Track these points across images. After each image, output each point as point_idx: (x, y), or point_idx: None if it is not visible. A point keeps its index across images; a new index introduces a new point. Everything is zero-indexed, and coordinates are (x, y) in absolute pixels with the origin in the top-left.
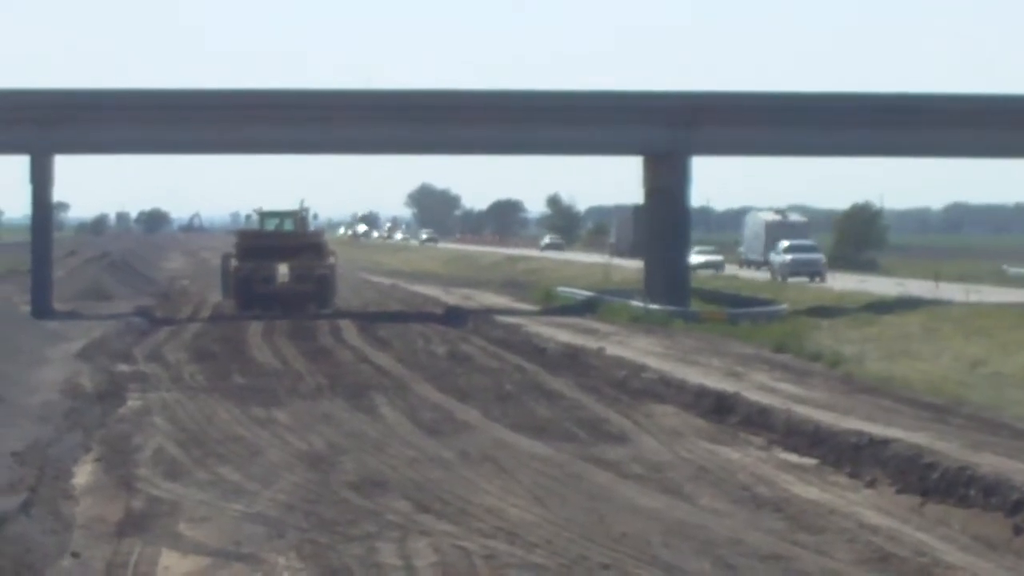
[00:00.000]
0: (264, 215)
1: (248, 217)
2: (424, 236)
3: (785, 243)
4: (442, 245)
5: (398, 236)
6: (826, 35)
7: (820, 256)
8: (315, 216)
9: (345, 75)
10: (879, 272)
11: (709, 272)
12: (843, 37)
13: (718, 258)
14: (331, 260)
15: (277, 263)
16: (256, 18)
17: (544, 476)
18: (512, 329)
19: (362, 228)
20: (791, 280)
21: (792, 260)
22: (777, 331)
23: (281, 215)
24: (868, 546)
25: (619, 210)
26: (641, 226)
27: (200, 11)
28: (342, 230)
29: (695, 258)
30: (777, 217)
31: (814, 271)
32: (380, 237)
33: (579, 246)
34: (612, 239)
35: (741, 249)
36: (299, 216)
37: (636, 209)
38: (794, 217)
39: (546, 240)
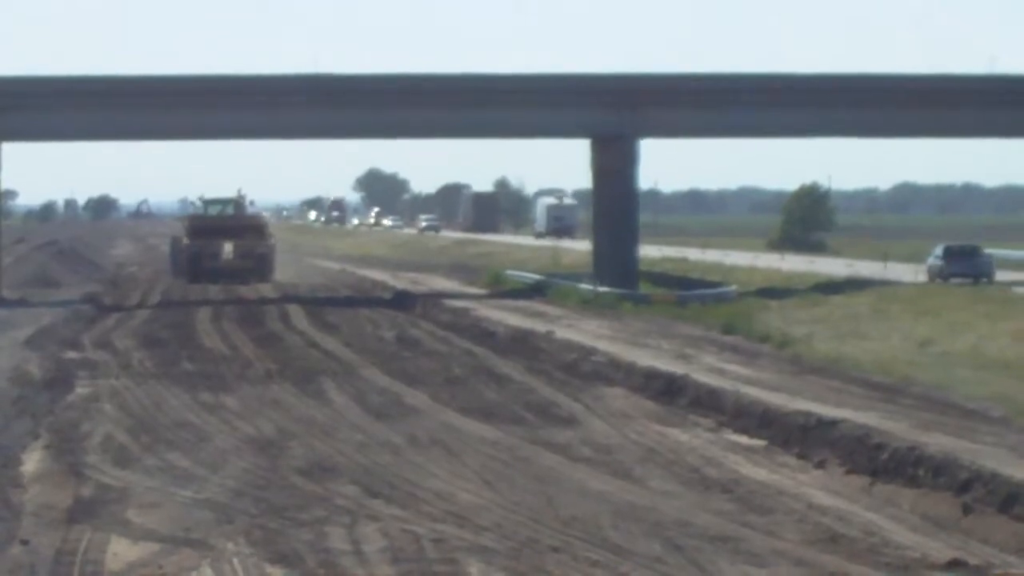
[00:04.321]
0: (207, 202)
1: (193, 204)
2: (423, 223)
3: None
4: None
5: (387, 223)
6: (773, 15)
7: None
8: (252, 203)
9: (292, 60)
10: (828, 253)
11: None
12: (790, 18)
13: None
14: (271, 240)
15: (223, 242)
16: (201, 3)
17: (493, 460)
18: (461, 313)
19: (335, 214)
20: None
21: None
22: (726, 313)
23: (222, 202)
24: (817, 526)
25: (464, 195)
26: (480, 208)
27: None
28: (313, 216)
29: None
30: (555, 200)
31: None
32: (365, 224)
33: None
34: (460, 218)
35: (535, 225)
36: (238, 202)
37: (476, 194)
38: (567, 200)
39: (423, 223)
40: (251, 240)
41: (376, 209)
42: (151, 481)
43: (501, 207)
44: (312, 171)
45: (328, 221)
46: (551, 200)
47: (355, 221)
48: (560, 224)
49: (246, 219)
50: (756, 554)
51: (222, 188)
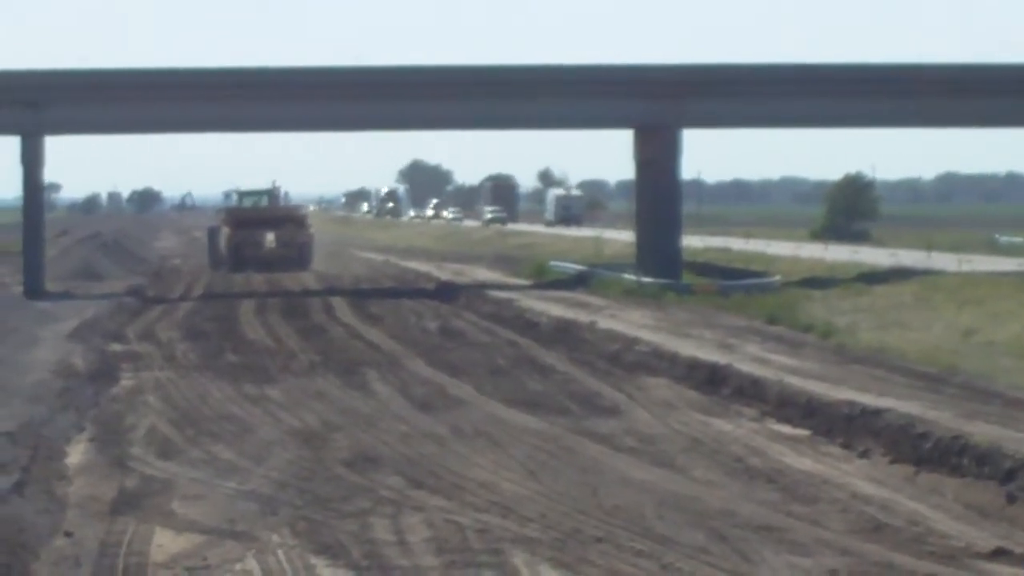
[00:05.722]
0: (243, 193)
1: (229, 195)
2: (488, 215)
3: None
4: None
5: (447, 215)
6: (818, 5)
7: None
8: (286, 194)
9: (335, 51)
10: (871, 242)
11: None
12: (834, 7)
13: None
14: (311, 231)
15: (265, 232)
16: None
17: (537, 450)
18: (504, 304)
19: (389, 206)
20: None
21: None
22: (770, 303)
23: (258, 193)
24: (861, 516)
25: (484, 186)
26: (498, 196)
27: None
28: (365, 207)
29: None
30: (563, 192)
31: None
32: (421, 217)
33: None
34: (482, 206)
35: (546, 214)
36: (273, 194)
37: (495, 184)
38: (574, 192)
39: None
40: (291, 230)
41: (435, 200)
42: (195, 473)
43: (518, 196)
44: (355, 163)
45: (380, 213)
46: (560, 191)
47: (411, 213)
48: (568, 213)
49: (286, 210)
50: (800, 543)
51: (264, 180)
